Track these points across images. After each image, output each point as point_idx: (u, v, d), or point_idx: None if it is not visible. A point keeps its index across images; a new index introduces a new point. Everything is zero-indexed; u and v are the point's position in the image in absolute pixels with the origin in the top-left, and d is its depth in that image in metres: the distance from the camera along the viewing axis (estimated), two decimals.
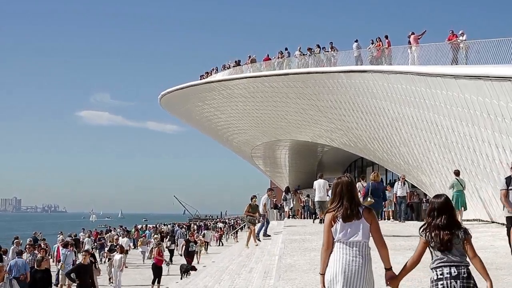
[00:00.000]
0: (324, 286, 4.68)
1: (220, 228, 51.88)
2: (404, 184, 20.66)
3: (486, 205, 17.79)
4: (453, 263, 4.34)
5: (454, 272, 4.30)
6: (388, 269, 4.61)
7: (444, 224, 4.41)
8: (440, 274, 4.34)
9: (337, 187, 4.69)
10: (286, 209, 27.34)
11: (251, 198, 17.99)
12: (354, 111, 26.70)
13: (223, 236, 46.87)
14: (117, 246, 21.55)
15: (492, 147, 16.06)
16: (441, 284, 4.31)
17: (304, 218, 28.17)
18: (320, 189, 18.90)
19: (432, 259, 4.45)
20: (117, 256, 19.64)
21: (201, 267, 22.33)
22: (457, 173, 17.39)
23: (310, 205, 29.43)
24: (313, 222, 21.17)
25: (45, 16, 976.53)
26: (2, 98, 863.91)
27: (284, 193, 28.17)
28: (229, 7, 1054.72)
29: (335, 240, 4.65)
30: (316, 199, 19.20)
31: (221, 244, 42.95)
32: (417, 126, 21.28)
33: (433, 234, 4.40)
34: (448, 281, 4.28)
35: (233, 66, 37.78)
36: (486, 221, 17.75)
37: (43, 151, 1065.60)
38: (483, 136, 16.41)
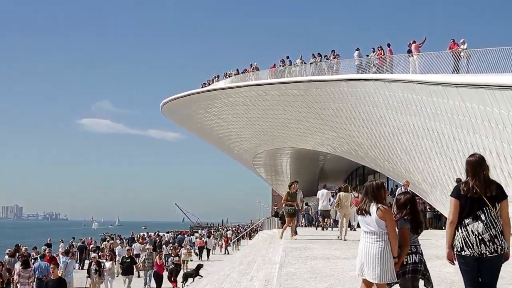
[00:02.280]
0: None
1: (227, 235, 51.92)
2: (406, 190, 20.36)
3: None
4: (417, 243, 5.77)
5: (414, 249, 5.72)
6: (395, 257, 5.59)
7: (416, 213, 5.87)
8: (409, 250, 5.68)
9: (368, 188, 5.79)
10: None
11: (289, 186, 16.03)
12: (356, 119, 26.72)
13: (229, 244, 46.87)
14: (108, 254, 21.74)
15: (493, 155, 16.06)
16: (406, 258, 5.66)
17: (305, 226, 28.19)
18: (324, 198, 19.34)
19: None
20: (107, 264, 19.71)
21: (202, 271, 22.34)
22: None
23: (309, 213, 29.66)
24: (316, 229, 21.51)
25: (47, 23, 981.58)
26: (3, 106, 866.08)
27: None
28: (232, 16, 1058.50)
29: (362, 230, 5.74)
30: (320, 207, 19.77)
31: (227, 252, 42.86)
32: (418, 134, 21.29)
33: (413, 221, 5.76)
34: (410, 256, 5.67)
35: (235, 74, 37.87)
36: None
37: (44, 158, 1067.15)
38: (484, 144, 16.43)
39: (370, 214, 5.56)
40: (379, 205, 5.58)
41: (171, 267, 21.48)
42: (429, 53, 21.44)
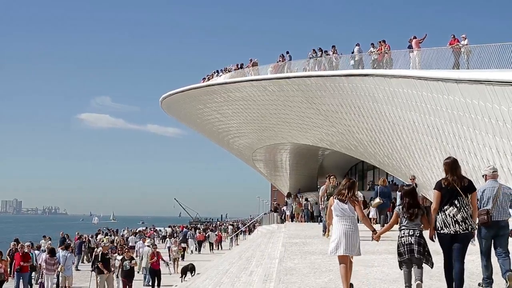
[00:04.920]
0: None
1: (223, 230, 52.22)
2: (415, 186, 19.34)
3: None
4: (411, 227, 6.91)
5: (411, 232, 6.89)
6: (373, 231, 7.39)
7: (411, 203, 7.01)
8: (403, 234, 6.93)
9: (345, 183, 7.41)
10: (287, 213, 28.56)
11: (328, 177, 14.82)
12: (355, 115, 26.70)
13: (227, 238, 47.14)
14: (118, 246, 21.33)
15: (493, 151, 16.06)
16: (403, 239, 6.90)
17: (304, 221, 28.25)
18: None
19: (400, 223, 7.04)
20: (118, 257, 19.62)
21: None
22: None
23: (309, 208, 29.84)
24: (319, 223, 22.01)
25: (46, 20, 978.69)
26: (3, 101, 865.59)
27: (285, 198, 29.82)
28: (232, 12, 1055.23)
29: (334, 215, 7.27)
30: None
31: (220, 248, 42.90)
32: (418, 130, 21.27)
33: (406, 210, 6.99)
34: (406, 237, 6.89)
35: (235, 69, 37.79)
36: None
37: (43, 153, 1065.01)
38: (484, 140, 16.41)
39: (347, 204, 7.23)
40: (352, 196, 7.30)
41: (127, 268, 18.49)
42: (429, 48, 21.41)
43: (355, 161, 44.76)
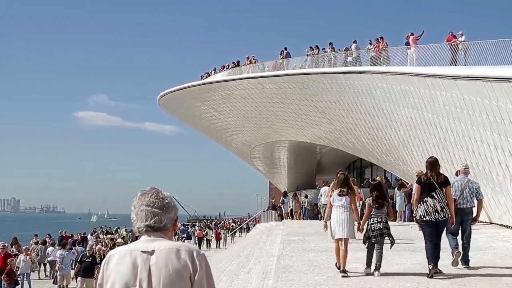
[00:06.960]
0: (326, 228, 9.60)
1: (221, 227, 52.27)
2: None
3: (485, 206, 17.76)
4: (379, 215, 8.69)
5: (379, 219, 8.65)
6: (358, 223, 8.97)
7: (378, 195, 8.74)
8: (373, 221, 8.66)
9: (339, 178, 9.04)
10: (285, 211, 28.88)
11: (337, 174, 14.49)
12: (353, 112, 26.69)
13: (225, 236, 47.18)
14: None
15: (491, 148, 16.05)
16: (373, 225, 8.58)
17: (303, 219, 28.32)
18: (327, 194, 20.46)
19: (371, 212, 8.71)
20: None
21: None
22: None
23: (306, 206, 30.04)
24: (320, 220, 22.33)
25: (46, 20, 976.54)
26: (3, 101, 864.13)
27: (282, 197, 30.21)
28: (232, 12, 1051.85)
29: (333, 205, 8.82)
30: (322, 202, 20.78)
31: (218, 246, 42.86)
32: (415, 127, 21.27)
33: (375, 201, 8.72)
34: (376, 224, 8.59)
35: (232, 67, 37.72)
36: (485, 222, 17.76)
37: (41, 151, 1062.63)
38: (482, 137, 16.40)
39: (344, 195, 8.72)
40: (349, 189, 8.82)
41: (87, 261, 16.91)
42: (426, 45, 21.40)
43: (353, 158, 44.79)
